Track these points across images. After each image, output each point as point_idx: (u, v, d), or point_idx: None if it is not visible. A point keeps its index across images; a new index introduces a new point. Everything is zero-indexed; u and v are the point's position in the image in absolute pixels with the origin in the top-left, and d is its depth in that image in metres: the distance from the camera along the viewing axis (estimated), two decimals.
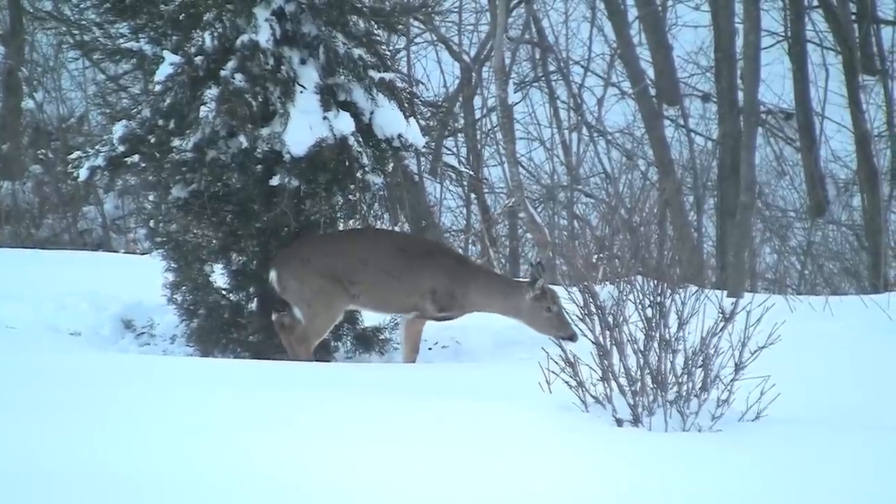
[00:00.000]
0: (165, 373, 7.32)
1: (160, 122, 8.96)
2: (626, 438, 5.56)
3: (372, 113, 9.11)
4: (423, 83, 19.05)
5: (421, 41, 20.37)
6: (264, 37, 8.81)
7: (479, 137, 19.91)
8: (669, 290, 5.86)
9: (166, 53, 8.94)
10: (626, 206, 6.88)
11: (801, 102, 18.47)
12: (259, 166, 9.02)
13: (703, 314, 5.85)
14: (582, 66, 20.68)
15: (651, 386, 5.76)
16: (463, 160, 20.14)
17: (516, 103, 18.82)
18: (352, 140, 8.87)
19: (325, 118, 8.87)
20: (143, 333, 9.86)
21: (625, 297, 5.88)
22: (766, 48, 17.91)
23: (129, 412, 5.62)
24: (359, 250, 8.89)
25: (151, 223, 9.49)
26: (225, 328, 9.29)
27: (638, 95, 18.47)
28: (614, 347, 5.83)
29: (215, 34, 8.89)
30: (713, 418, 5.70)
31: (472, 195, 19.77)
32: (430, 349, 9.68)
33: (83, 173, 9.12)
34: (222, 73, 8.79)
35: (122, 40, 9.25)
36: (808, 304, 10.03)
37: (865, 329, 9.39)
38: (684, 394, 5.74)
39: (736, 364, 5.79)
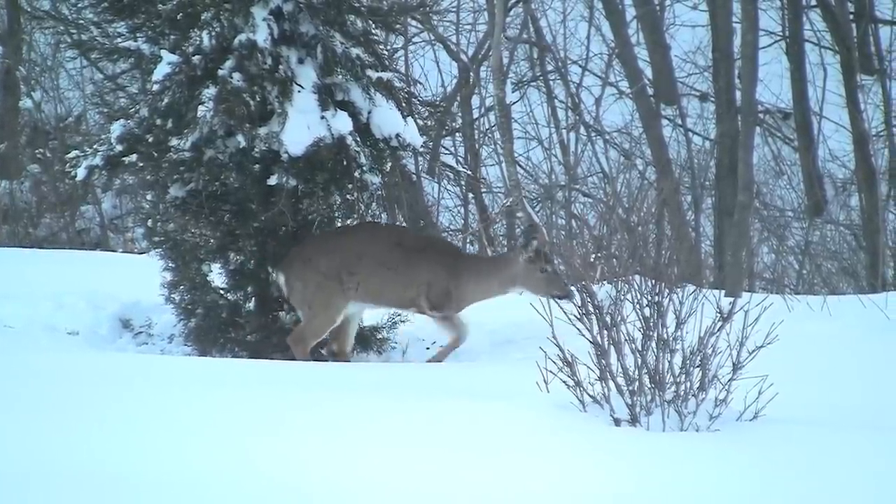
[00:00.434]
0: (163, 372, 7.31)
1: (158, 121, 8.96)
2: (623, 438, 5.56)
3: (370, 112, 9.11)
4: (420, 83, 19.06)
5: (419, 41, 20.37)
6: (262, 36, 8.81)
7: (476, 137, 19.91)
8: (667, 290, 5.86)
9: (164, 53, 8.94)
10: (624, 206, 6.87)
11: (799, 102, 18.45)
12: (257, 166, 9.02)
13: (700, 314, 5.85)
14: (580, 66, 20.67)
15: (649, 385, 5.76)
16: (461, 160, 20.14)
17: (514, 103, 18.80)
18: (350, 139, 8.87)
19: (322, 118, 8.86)
20: (141, 333, 9.86)
21: (623, 297, 5.88)
22: (764, 48, 17.90)
23: (127, 412, 5.62)
24: (356, 244, 8.94)
25: (149, 222, 9.48)
26: (223, 328, 9.29)
27: (636, 95, 18.46)
28: (612, 347, 5.84)
29: (213, 33, 8.88)
30: (711, 418, 5.71)
31: (470, 195, 19.77)
32: (427, 348, 9.68)
33: (81, 172, 9.12)
34: (220, 72, 8.78)
35: (119, 40, 9.24)
36: (805, 304, 10.03)
37: (863, 329, 9.38)
38: (682, 393, 5.74)
39: (734, 364, 5.79)
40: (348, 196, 9.30)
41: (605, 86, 20.43)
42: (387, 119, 9.09)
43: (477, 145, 19.82)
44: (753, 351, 5.78)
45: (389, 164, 9.27)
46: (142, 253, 13.78)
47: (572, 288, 6.08)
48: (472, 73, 19.17)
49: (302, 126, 8.81)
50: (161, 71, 8.87)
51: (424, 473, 4.80)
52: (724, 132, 17.14)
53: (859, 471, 5.10)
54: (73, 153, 9.27)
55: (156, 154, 8.97)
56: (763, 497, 4.71)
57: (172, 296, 9.39)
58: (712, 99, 19.25)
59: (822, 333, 9.14)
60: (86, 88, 20.54)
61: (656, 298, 5.85)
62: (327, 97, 8.97)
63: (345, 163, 8.95)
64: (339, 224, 9.51)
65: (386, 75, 9.13)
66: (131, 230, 19.72)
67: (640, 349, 5.79)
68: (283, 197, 8.97)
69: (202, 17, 8.97)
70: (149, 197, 9.59)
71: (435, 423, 5.61)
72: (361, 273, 8.86)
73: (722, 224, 17.05)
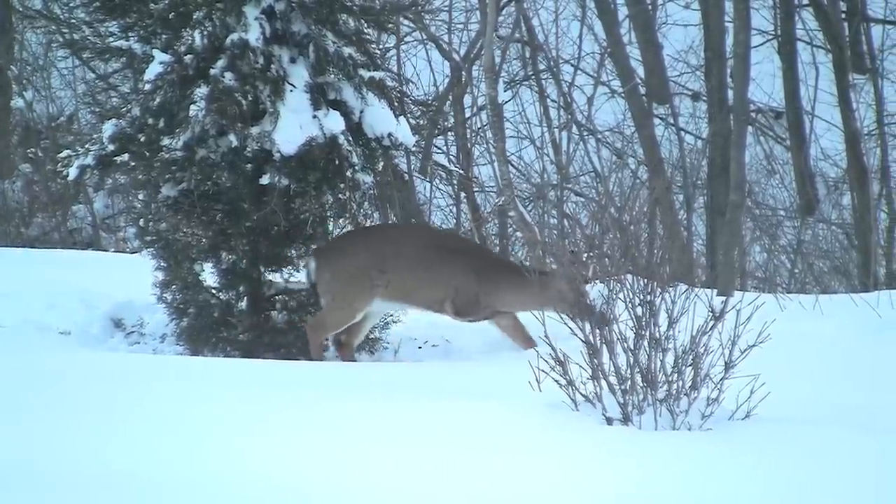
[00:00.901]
0: (155, 372, 7.30)
1: (150, 120, 8.95)
2: (615, 437, 5.56)
3: (362, 112, 9.11)
4: (413, 82, 19.08)
5: (411, 40, 20.33)
6: (254, 35, 8.81)
7: (468, 136, 19.87)
8: (659, 289, 5.86)
9: (156, 52, 8.93)
10: (616, 205, 6.88)
11: (791, 101, 18.47)
12: (249, 165, 9.02)
13: (692, 313, 5.85)
14: (572, 65, 20.65)
15: (641, 384, 5.76)
16: (453, 159, 20.12)
17: (506, 102, 18.78)
18: (342, 139, 8.87)
19: (314, 117, 8.86)
20: (133, 332, 9.85)
21: (615, 296, 5.89)
22: (756, 47, 17.88)
23: (119, 411, 5.61)
24: (392, 241, 9.03)
25: (141, 222, 9.48)
26: (215, 327, 9.30)
27: (628, 94, 18.46)
28: (604, 346, 5.84)
29: (205, 33, 8.88)
30: (703, 417, 5.71)
31: (462, 194, 19.75)
32: (419, 348, 9.68)
33: (73, 172, 9.11)
34: (212, 71, 8.78)
35: (111, 39, 9.24)
36: (798, 303, 10.02)
37: (855, 327, 9.38)
38: (674, 392, 5.75)
39: (726, 363, 5.79)
40: (340, 195, 9.30)
41: (598, 85, 20.41)
42: (379, 118, 9.10)
43: (469, 144, 19.79)
44: (745, 350, 5.78)
45: (381, 163, 9.27)
46: (134, 252, 13.75)
47: (603, 312, 6.03)
48: (464, 73, 19.15)
49: (294, 125, 8.81)
50: (153, 70, 8.86)
51: (417, 472, 4.80)
52: (717, 131, 17.15)
53: (851, 469, 5.10)
54: (65, 153, 9.27)
55: (147, 153, 8.97)
56: (755, 496, 4.71)
57: (164, 295, 9.39)
58: (704, 98, 19.26)
59: (814, 332, 9.13)
60: (78, 88, 20.50)
61: (648, 297, 5.85)
62: (319, 96, 8.97)
63: (337, 162, 8.95)
64: (330, 224, 9.53)
65: (378, 74, 9.14)
66: (123, 230, 19.68)
67: (632, 348, 5.79)
68: (275, 196, 8.97)
69: (194, 17, 8.97)
70: (141, 196, 9.59)
71: (428, 422, 5.61)
72: (395, 271, 8.90)
73: (714, 223, 17.05)
